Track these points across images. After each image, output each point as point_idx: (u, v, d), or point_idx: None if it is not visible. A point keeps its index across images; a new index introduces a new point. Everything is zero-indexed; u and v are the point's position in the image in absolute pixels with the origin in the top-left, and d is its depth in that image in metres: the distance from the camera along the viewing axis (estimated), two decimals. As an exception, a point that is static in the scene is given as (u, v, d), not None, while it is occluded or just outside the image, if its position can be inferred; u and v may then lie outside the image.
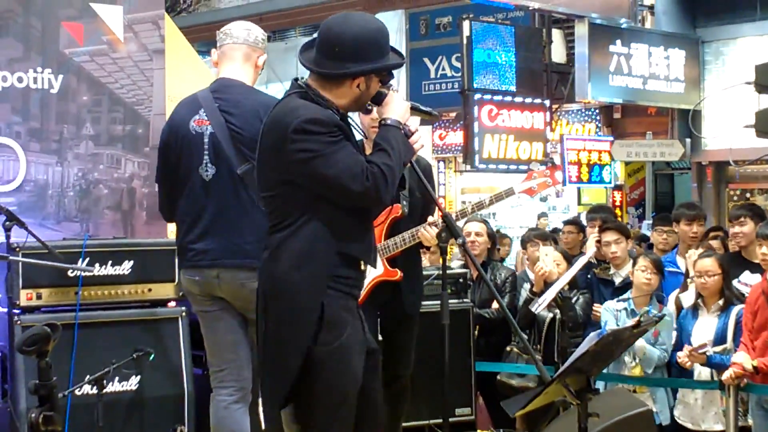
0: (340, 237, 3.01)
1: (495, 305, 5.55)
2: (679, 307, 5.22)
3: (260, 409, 4.04)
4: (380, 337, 4.36)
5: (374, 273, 4.20)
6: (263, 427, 3.90)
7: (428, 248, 4.43)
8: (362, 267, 3.12)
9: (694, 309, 4.99)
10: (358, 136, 3.33)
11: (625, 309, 5.10)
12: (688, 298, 5.15)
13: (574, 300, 5.30)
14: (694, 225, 5.76)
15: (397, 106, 3.12)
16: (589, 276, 5.75)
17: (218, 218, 3.83)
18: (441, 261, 4.01)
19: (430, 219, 4.25)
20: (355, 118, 3.38)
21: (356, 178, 2.91)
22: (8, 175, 4.87)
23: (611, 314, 5.12)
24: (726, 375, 4.57)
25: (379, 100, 3.15)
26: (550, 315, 5.17)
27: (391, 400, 4.20)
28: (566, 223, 7.60)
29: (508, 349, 5.44)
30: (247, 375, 3.92)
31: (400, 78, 12.74)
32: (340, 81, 3.05)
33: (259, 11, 11.64)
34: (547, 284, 4.96)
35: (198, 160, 3.87)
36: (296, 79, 3.15)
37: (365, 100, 3.13)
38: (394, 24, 13.54)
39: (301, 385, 2.96)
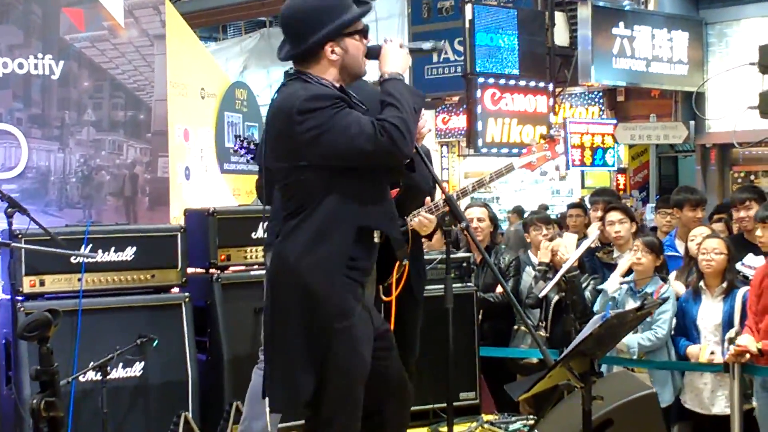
0: (358, 210, 2.99)
1: (499, 289, 5.54)
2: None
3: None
4: (384, 322, 4.35)
5: (379, 258, 4.16)
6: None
7: (428, 237, 4.40)
8: (376, 245, 3.08)
9: (696, 292, 4.97)
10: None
11: (628, 288, 5.09)
12: (679, 287, 5.13)
13: (585, 285, 5.28)
14: (698, 211, 5.74)
15: (392, 57, 3.07)
16: (592, 260, 5.73)
17: None
18: (445, 245, 3.99)
19: (425, 207, 4.20)
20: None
21: (370, 138, 2.88)
22: (10, 161, 4.87)
23: (607, 294, 5.12)
24: (727, 354, 4.57)
25: (374, 55, 3.11)
26: (557, 297, 5.15)
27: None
28: (571, 206, 7.57)
29: (515, 327, 5.45)
30: None
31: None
32: (315, 56, 3.03)
33: (260, -4, 11.60)
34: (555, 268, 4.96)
35: None
36: (287, 72, 3.14)
37: (354, 63, 3.06)
38: (396, 8, 13.48)
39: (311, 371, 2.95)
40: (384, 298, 3.98)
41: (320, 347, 2.93)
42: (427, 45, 3.38)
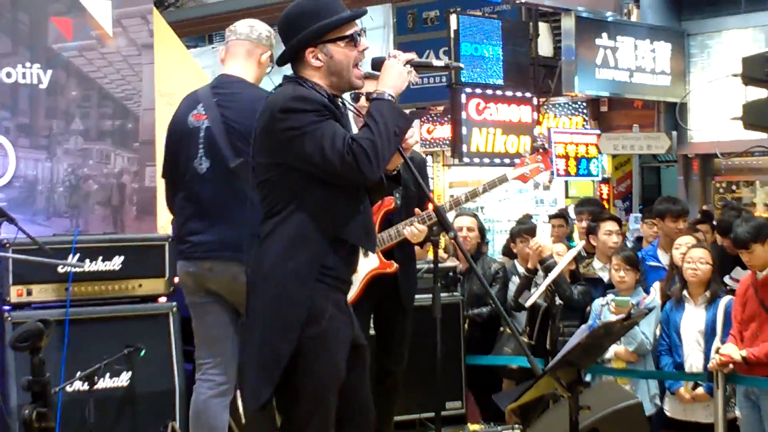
0: (333, 221, 2.98)
1: (486, 309, 5.59)
2: (664, 298, 5.25)
3: (239, 402, 4.04)
4: (372, 332, 4.37)
5: (369, 266, 4.20)
6: (243, 421, 3.90)
7: (420, 245, 4.43)
8: (356, 253, 3.10)
9: (679, 301, 5.02)
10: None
11: (609, 303, 5.12)
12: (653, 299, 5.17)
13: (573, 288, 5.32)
14: (679, 221, 5.80)
15: (388, 75, 3.03)
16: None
17: (212, 211, 3.84)
18: (433, 254, 4.01)
19: (416, 215, 4.24)
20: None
21: (337, 154, 2.87)
22: (-3, 170, 4.86)
23: (596, 311, 5.16)
24: (711, 363, 4.62)
25: (378, 68, 3.08)
26: (545, 304, 5.19)
27: (383, 395, 4.21)
28: (553, 216, 7.63)
29: (501, 329, 5.48)
30: (231, 371, 3.91)
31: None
32: (302, 60, 3.05)
33: (246, 5, 11.58)
34: (542, 262, 5.00)
35: (194, 154, 3.88)
36: (285, 75, 3.16)
37: (340, 69, 3.03)
38: (381, 19, 13.51)
39: (284, 375, 2.94)
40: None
41: (285, 355, 2.91)
42: (438, 62, 3.35)
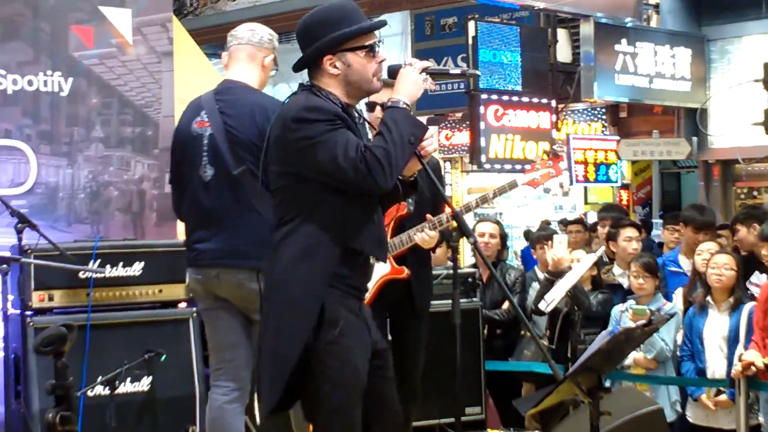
0: (345, 231, 2.98)
1: (505, 305, 5.57)
2: (686, 304, 5.22)
3: (256, 408, 4.05)
4: (389, 338, 4.36)
5: (381, 271, 4.20)
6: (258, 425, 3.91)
7: (432, 250, 4.42)
8: (370, 261, 3.10)
9: (702, 307, 4.99)
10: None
11: (627, 310, 5.10)
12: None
13: (592, 298, 5.30)
14: (700, 234, 5.74)
15: (403, 83, 3.02)
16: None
17: (217, 219, 3.85)
18: (452, 260, 4.00)
19: (428, 221, 4.21)
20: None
21: (350, 162, 2.87)
22: (19, 177, 4.90)
23: (615, 317, 5.14)
24: (734, 370, 4.59)
25: (394, 76, 3.08)
26: (565, 309, 5.17)
27: (401, 401, 4.19)
28: (570, 222, 7.60)
29: (522, 333, 5.47)
30: (245, 376, 3.92)
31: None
32: (318, 69, 3.05)
33: (266, 13, 11.65)
34: (559, 273, 4.97)
35: (198, 161, 3.90)
36: (301, 83, 3.17)
37: (359, 79, 3.03)
38: (399, 26, 13.53)
39: (305, 384, 2.95)
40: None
41: (293, 361, 2.91)
42: (455, 70, 3.33)
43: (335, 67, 3.03)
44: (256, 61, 4.01)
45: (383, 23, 3.20)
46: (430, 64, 3.10)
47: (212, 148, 3.86)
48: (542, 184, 4.41)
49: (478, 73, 9.77)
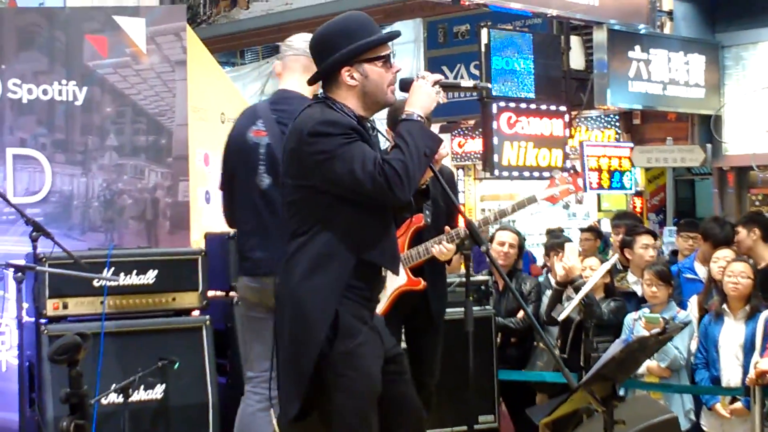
0: (359, 243, 3.00)
1: (519, 314, 5.55)
2: (702, 312, 5.20)
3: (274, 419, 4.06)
4: (403, 345, 4.36)
5: (397, 282, 4.20)
6: None
7: (447, 262, 4.42)
8: (382, 273, 3.11)
9: (718, 315, 4.97)
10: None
11: (640, 318, 5.08)
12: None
13: (604, 306, 5.28)
14: (716, 250, 5.71)
15: (417, 96, 3.05)
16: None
17: (274, 227, 3.84)
18: (465, 268, 4.00)
19: (446, 233, 4.22)
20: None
21: (368, 175, 2.89)
22: (34, 186, 4.94)
23: (628, 325, 5.12)
24: (749, 378, 4.56)
25: (406, 89, 3.10)
26: (578, 318, 5.16)
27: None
28: (583, 230, 7.59)
29: (535, 343, 5.46)
30: None
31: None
32: (335, 80, 3.06)
33: (279, 21, 11.67)
34: (570, 281, 4.96)
35: (254, 170, 3.89)
36: (316, 95, 3.19)
37: (376, 90, 3.06)
38: (412, 33, 13.55)
39: (320, 395, 2.97)
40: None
41: (308, 371, 2.92)
42: (467, 83, 3.35)
43: (353, 78, 3.05)
44: (310, 71, 4.02)
45: (398, 33, 3.23)
46: (441, 77, 3.12)
47: (270, 157, 3.86)
48: (561, 200, 4.42)
49: (489, 86, 9.78)
